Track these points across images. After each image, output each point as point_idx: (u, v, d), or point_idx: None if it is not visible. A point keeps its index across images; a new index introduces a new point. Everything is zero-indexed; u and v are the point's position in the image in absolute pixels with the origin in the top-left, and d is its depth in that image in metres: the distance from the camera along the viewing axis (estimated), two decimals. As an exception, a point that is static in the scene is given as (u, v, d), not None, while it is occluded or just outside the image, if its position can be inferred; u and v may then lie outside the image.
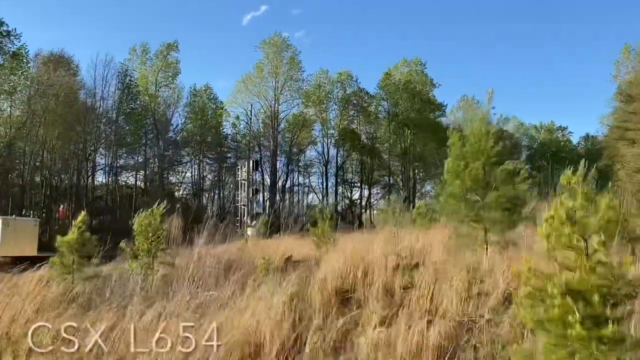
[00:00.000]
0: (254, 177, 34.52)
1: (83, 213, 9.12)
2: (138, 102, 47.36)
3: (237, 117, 54.57)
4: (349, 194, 57.17)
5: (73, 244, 8.54)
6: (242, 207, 30.43)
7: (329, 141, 55.71)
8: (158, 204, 9.76)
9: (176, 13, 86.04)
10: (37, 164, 42.00)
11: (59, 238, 8.68)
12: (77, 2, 79.62)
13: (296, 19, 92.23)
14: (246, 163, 32.18)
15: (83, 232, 8.80)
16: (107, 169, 46.14)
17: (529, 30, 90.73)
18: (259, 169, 36.50)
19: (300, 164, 55.98)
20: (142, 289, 7.08)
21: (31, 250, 23.40)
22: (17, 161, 41.02)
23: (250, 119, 52.41)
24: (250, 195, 31.01)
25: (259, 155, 52.62)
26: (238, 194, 32.04)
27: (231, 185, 53.09)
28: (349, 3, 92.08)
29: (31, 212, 37.69)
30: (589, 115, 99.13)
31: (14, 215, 25.23)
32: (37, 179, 42.18)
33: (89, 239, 8.88)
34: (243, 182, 31.31)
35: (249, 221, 28.28)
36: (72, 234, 8.65)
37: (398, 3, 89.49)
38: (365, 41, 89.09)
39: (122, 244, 9.74)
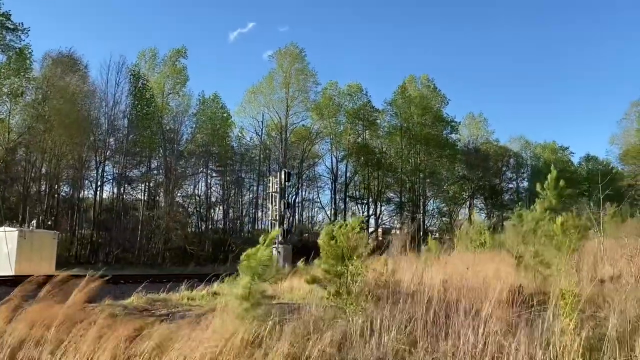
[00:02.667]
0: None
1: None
2: (151, 107, 46.00)
3: (242, 129, 53.60)
4: (357, 211, 56.18)
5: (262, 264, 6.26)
6: (274, 222, 29.12)
7: (338, 155, 54.92)
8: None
9: (161, 28, 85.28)
10: (43, 172, 40.70)
11: (246, 255, 6.36)
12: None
13: (283, 36, 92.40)
14: (278, 174, 30.79)
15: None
16: (116, 179, 44.85)
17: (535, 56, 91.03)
18: (291, 180, 35.14)
19: (303, 177, 54.96)
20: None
21: (49, 267, 21.32)
22: (18, 168, 39.72)
23: (262, 129, 51.49)
24: (282, 209, 29.71)
25: (267, 169, 51.77)
26: (269, 208, 30.58)
27: (243, 199, 52.21)
28: (335, 21, 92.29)
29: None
30: (588, 135, 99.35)
31: (31, 227, 23.31)
32: (43, 187, 40.81)
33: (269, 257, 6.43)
34: (274, 194, 29.98)
35: (280, 238, 26.86)
36: (263, 250, 6.39)
37: (389, 18, 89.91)
38: (352, 59, 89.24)
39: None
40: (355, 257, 7.10)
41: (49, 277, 8.51)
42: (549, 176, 10.30)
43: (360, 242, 7.41)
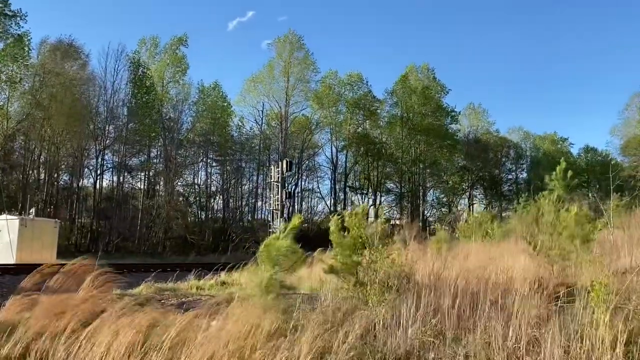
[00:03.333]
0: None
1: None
2: (151, 95, 45.49)
3: (242, 118, 53.31)
4: (357, 201, 56.11)
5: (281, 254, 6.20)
6: (275, 211, 28.96)
7: (338, 145, 54.76)
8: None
9: (161, 18, 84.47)
10: (42, 160, 40.46)
11: (265, 244, 6.31)
12: None
13: (282, 25, 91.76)
14: (279, 163, 30.63)
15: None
16: (115, 167, 44.63)
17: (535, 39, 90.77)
18: (292, 169, 34.96)
19: (303, 167, 54.79)
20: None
21: (51, 256, 21.11)
22: (17, 154, 39.46)
23: (262, 119, 51.24)
24: (284, 199, 29.59)
25: (266, 158, 51.61)
26: (271, 197, 30.48)
27: (243, 189, 52.10)
28: (335, 11, 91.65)
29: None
30: (588, 127, 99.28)
31: (31, 215, 23.11)
32: (43, 176, 40.58)
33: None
34: (276, 184, 29.85)
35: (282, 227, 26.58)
36: (282, 240, 6.32)
37: (389, 10, 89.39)
38: (351, 48, 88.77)
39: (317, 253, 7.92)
40: (371, 247, 6.98)
41: (53, 266, 8.39)
42: (557, 167, 10.22)
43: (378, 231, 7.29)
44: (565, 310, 5.52)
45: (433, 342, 5.06)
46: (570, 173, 10.42)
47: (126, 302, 7.06)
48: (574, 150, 68.72)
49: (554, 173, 10.53)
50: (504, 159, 64.58)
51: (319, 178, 56.53)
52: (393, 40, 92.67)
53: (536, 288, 6.47)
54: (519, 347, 4.68)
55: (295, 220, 6.64)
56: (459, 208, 57.47)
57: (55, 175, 41.64)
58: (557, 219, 8.69)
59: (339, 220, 7.35)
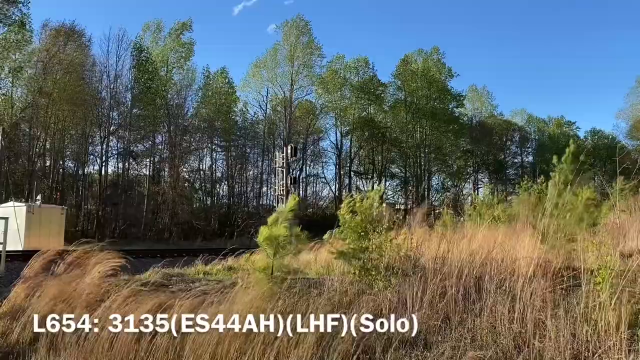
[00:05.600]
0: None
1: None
2: (155, 80, 45.33)
3: (246, 103, 53.19)
4: (361, 185, 56.11)
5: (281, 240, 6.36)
6: (280, 197, 29.07)
7: (342, 130, 54.69)
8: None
9: (164, 3, 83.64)
10: (47, 147, 40.59)
11: (263, 232, 6.49)
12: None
13: (287, 10, 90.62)
14: (284, 149, 30.65)
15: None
16: (120, 154, 44.75)
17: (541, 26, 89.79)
18: (297, 154, 34.95)
19: (308, 152, 54.71)
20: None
21: (58, 242, 21.19)
22: (24, 143, 39.56)
23: (266, 104, 51.18)
24: (289, 184, 29.66)
25: (271, 144, 51.57)
26: (276, 182, 30.59)
27: (248, 174, 52.17)
28: None
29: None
30: (594, 109, 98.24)
31: (38, 202, 23.31)
32: (48, 163, 40.76)
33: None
34: (280, 169, 29.91)
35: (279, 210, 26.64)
36: (280, 227, 6.49)
37: None
38: (357, 32, 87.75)
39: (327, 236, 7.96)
40: (378, 232, 6.99)
41: (60, 252, 8.46)
42: (567, 149, 10.16)
43: (384, 215, 7.30)
44: (571, 293, 5.54)
45: (439, 325, 5.09)
46: (581, 157, 10.38)
47: (134, 287, 7.14)
48: (581, 133, 68.29)
49: (563, 156, 10.49)
50: (508, 143, 64.30)
51: (323, 163, 56.55)
52: (400, 22, 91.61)
53: (542, 271, 6.47)
54: (525, 330, 4.70)
55: (292, 202, 6.66)
56: (464, 192, 57.48)
57: (61, 162, 41.80)
58: (564, 202, 8.66)
59: (351, 203, 7.37)
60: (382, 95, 56.26)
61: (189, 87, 47.71)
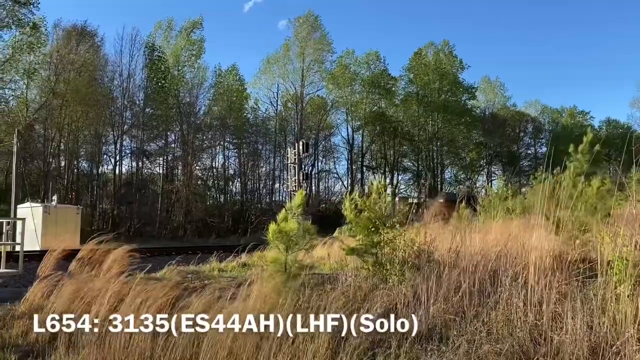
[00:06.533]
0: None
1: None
2: (167, 79, 45.48)
3: (257, 100, 53.29)
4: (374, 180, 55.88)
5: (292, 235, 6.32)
6: (293, 193, 29.08)
7: (354, 125, 54.61)
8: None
9: (175, 1, 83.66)
10: (62, 148, 41.01)
11: (272, 227, 6.48)
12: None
13: (297, 5, 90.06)
14: (295, 145, 30.71)
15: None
16: (134, 153, 45.09)
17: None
18: (309, 150, 34.97)
19: (320, 147, 54.74)
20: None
21: (74, 242, 21.39)
22: (39, 145, 40.00)
23: (277, 100, 51.28)
24: (301, 180, 29.72)
25: (283, 140, 51.65)
26: (288, 178, 30.71)
27: (261, 171, 52.34)
28: None
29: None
30: (609, 99, 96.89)
31: (54, 202, 23.64)
32: (63, 163, 41.20)
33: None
34: (293, 165, 29.97)
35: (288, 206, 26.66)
36: (290, 222, 6.42)
37: None
38: (366, 27, 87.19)
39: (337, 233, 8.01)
40: (389, 226, 6.98)
41: (76, 251, 8.56)
42: (584, 138, 10.05)
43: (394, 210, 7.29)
44: (587, 285, 5.49)
45: (454, 319, 5.07)
46: (596, 147, 10.27)
47: (149, 285, 7.20)
48: (595, 123, 67.47)
49: (578, 146, 10.39)
50: (522, 134, 63.77)
51: (335, 158, 56.57)
52: (408, 16, 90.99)
53: (557, 263, 6.43)
54: (541, 323, 4.67)
55: (299, 197, 6.66)
56: (477, 185, 57.15)
57: (75, 163, 42.22)
58: (579, 192, 8.59)
59: (353, 201, 7.36)
60: (393, 89, 56.03)
61: (201, 85, 47.94)
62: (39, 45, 37.42)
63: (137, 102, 45.54)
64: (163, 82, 44.90)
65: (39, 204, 23.16)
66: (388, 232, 6.92)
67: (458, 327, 4.94)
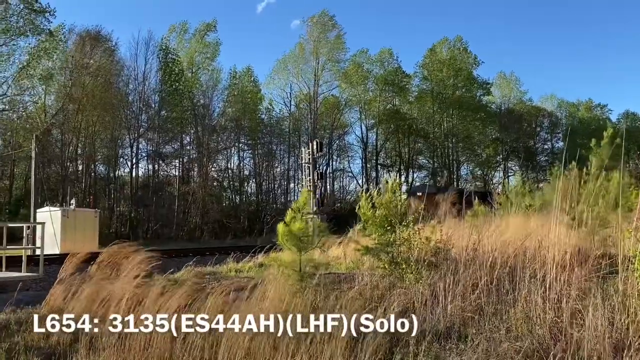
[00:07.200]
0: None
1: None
2: (181, 82, 45.82)
3: (271, 101, 53.45)
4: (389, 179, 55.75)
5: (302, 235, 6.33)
6: (307, 193, 29.05)
7: (368, 123, 54.55)
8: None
9: (188, 3, 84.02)
10: (79, 152, 41.55)
11: (280, 230, 6.56)
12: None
13: (311, 5, 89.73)
14: (309, 144, 30.72)
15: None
16: (150, 155, 45.51)
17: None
18: (323, 150, 34.97)
19: (334, 146, 54.70)
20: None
21: (92, 245, 21.76)
22: (57, 149, 40.52)
23: (290, 100, 51.43)
24: (316, 179, 29.75)
25: (297, 140, 51.74)
26: (303, 178, 30.82)
27: (275, 171, 52.52)
28: None
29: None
30: (628, 91, 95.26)
31: (72, 206, 23.98)
32: (80, 167, 41.73)
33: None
34: (307, 165, 30.00)
35: (315, 208, 26.92)
36: (297, 223, 6.45)
37: None
38: (379, 23, 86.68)
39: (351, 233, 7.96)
40: (405, 224, 6.95)
41: (95, 254, 8.66)
42: (605, 133, 9.94)
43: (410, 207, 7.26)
44: (607, 281, 5.42)
45: (473, 317, 5.04)
46: (617, 140, 10.15)
47: (167, 286, 7.25)
48: (613, 116, 66.53)
49: (595, 140, 10.27)
50: (538, 129, 63.14)
51: (349, 157, 56.46)
52: (424, 13, 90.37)
53: (576, 259, 6.35)
54: (561, 320, 4.62)
55: (303, 196, 6.68)
56: (493, 181, 56.73)
57: (92, 166, 42.72)
58: (599, 187, 8.47)
59: (368, 199, 7.34)
60: (407, 86, 55.84)
61: (215, 87, 48.22)
62: (55, 51, 37.99)
63: (152, 105, 45.96)
64: (177, 84, 45.22)
65: (58, 208, 23.49)
66: (403, 230, 6.89)
67: (477, 325, 4.91)
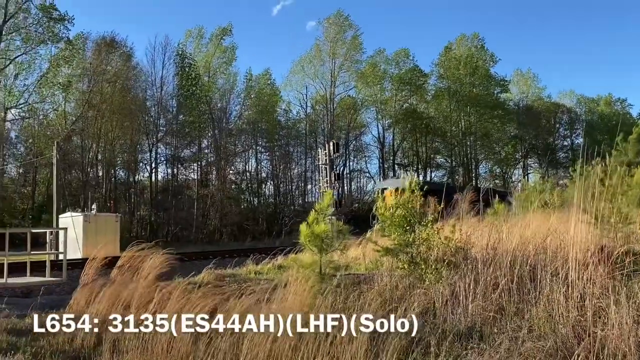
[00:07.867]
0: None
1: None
2: (198, 86, 46.12)
3: (289, 103, 53.63)
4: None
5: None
6: (325, 193, 28.98)
7: (384, 123, 54.39)
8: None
9: (204, 7, 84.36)
10: (99, 158, 42.12)
11: (303, 231, 6.60)
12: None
13: (326, 6, 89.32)
14: (326, 145, 30.75)
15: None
16: (169, 159, 46.01)
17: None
18: (340, 150, 34.99)
19: (350, 147, 54.64)
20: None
21: (114, 249, 21.97)
22: (77, 155, 41.11)
23: (306, 102, 51.57)
24: (333, 180, 29.75)
25: (314, 141, 51.78)
26: (320, 179, 30.90)
27: (293, 173, 52.66)
28: None
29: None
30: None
31: (93, 211, 24.36)
32: (101, 173, 42.33)
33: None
34: (324, 166, 30.02)
35: (332, 209, 26.70)
36: (321, 225, 6.54)
37: None
38: (395, 21, 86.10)
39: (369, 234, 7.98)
40: (424, 224, 6.91)
41: (116, 258, 8.78)
42: (634, 129, 9.81)
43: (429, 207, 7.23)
44: (631, 279, 5.33)
45: (494, 316, 4.99)
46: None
47: (188, 288, 7.31)
48: (634, 111, 65.28)
49: (616, 135, 10.13)
50: (557, 125, 62.31)
51: (366, 157, 56.36)
52: (441, 10, 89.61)
53: (599, 257, 6.26)
54: (585, 319, 4.56)
55: (327, 198, 6.68)
56: (513, 179, 56.11)
57: (112, 171, 43.27)
58: (621, 183, 8.33)
59: (383, 199, 7.32)
60: (424, 85, 55.56)
61: (232, 91, 48.54)
62: (74, 57, 38.63)
63: (170, 110, 46.41)
64: (194, 89, 45.57)
65: (80, 213, 23.86)
66: (422, 230, 6.86)
67: (498, 324, 4.86)
